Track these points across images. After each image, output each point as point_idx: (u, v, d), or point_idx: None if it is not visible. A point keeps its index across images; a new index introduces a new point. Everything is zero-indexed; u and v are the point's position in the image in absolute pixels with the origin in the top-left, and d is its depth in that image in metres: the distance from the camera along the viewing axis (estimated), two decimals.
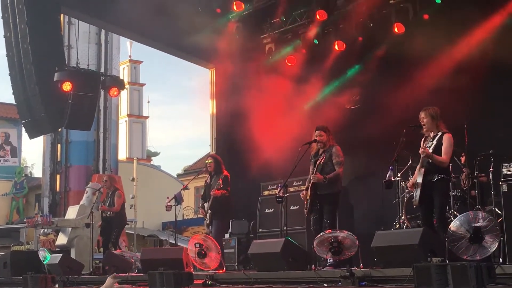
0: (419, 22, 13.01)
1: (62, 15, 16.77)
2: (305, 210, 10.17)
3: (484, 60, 11.76)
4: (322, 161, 9.95)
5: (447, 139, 8.54)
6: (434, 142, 8.57)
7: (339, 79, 14.53)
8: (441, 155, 8.51)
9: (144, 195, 25.15)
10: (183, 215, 26.98)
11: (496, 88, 11.90)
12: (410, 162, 11.80)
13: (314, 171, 9.98)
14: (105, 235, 13.48)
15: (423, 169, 8.54)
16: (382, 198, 11.26)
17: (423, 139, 8.86)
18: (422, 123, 8.75)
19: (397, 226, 11.12)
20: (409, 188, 9.37)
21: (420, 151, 8.46)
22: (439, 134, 8.64)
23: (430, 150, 8.46)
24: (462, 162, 10.83)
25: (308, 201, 10.00)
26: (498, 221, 8.33)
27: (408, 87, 12.79)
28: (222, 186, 11.40)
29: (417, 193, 8.59)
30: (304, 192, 10.14)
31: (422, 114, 8.76)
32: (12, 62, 13.59)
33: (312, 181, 9.94)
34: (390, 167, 9.74)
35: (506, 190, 8.54)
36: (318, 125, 10.30)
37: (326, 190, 9.93)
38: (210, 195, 11.69)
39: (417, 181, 8.58)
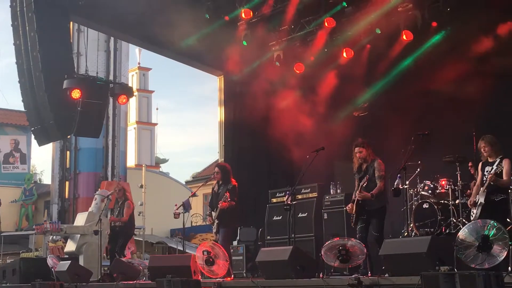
0: (428, 30, 13.00)
1: (71, 22, 16.86)
2: (352, 223, 10.16)
3: (493, 68, 11.74)
4: (367, 178, 9.93)
5: (507, 163, 9.07)
6: (495, 166, 9.11)
7: (348, 86, 14.50)
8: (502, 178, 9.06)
9: (153, 202, 25.17)
10: (191, 222, 26.97)
11: (504, 96, 11.88)
12: (418, 170, 11.81)
13: (359, 188, 9.96)
14: (112, 244, 13.49)
15: (485, 190, 9.06)
16: (391, 206, 11.24)
17: (480, 164, 9.39)
18: (484, 151, 9.28)
19: (406, 234, 11.09)
20: (469, 206, 9.51)
21: (489, 178, 8.95)
22: (498, 159, 9.17)
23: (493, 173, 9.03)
24: (470, 169, 10.83)
25: (354, 215, 10.02)
26: (507, 229, 8.31)
27: (417, 94, 12.80)
28: (229, 199, 11.37)
29: (477, 211, 9.07)
30: (350, 205, 10.13)
31: (482, 144, 9.32)
32: (22, 69, 13.65)
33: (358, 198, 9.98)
34: (398, 175, 9.76)
35: None
36: (357, 142, 10.27)
37: (373, 206, 9.94)
38: (218, 206, 11.64)
39: (480, 200, 9.08)
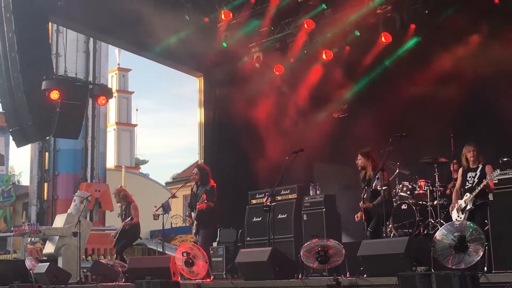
0: (406, 32, 13.10)
1: (50, 23, 16.76)
2: (365, 230, 10.18)
3: (471, 70, 11.84)
4: (372, 188, 9.96)
5: (490, 169, 9.12)
6: (478, 173, 9.27)
7: (327, 88, 14.55)
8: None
9: None
10: (171, 223, 26.89)
11: (482, 98, 12.00)
12: (397, 171, 11.89)
13: (362, 199, 10.01)
14: (117, 243, 13.30)
15: (472, 196, 9.20)
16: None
17: (461, 170, 9.54)
18: (471, 156, 9.40)
19: (384, 235, 11.15)
20: (450, 211, 9.67)
21: (485, 184, 8.99)
22: (481, 166, 9.32)
23: (477, 180, 9.24)
24: (453, 170, 10.91)
25: (365, 223, 10.05)
26: (485, 229, 8.40)
27: (395, 96, 12.87)
28: (206, 200, 11.39)
29: (465, 216, 9.20)
30: (358, 214, 10.14)
31: (470, 148, 9.43)
32: (0, 70, 13.55)
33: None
34: (377, 176, 9.80)
35: (492, 198, 8.61)
36: (362, 150, 10.31)
37: (377, 212, 9.91)
38: (196, 207, 11.66)
39: (468, 206, 9.23)
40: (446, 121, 11.80)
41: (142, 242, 26.87)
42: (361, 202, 10.00)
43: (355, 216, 10.27)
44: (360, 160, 10.19)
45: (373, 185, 9.80)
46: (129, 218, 13.03)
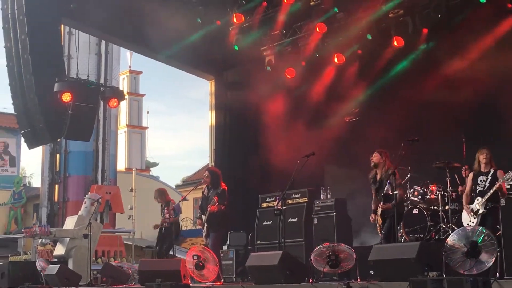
0: (419, 36, 13.06)
1: (62, 25, 16.81)
2: (379, 232, 10.17)
3: (484, 74, 11.79)
4: (385, 187, 9.93)
5: (501, 174, 9.12)
6: (490, 177, 9.24)
7: (339, 91, 14.53)
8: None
9: (143, 205, 25.08)
10: (181, 226, 26.89)
11: (494, 102, 11.94)
12: (408, 175, 11.84)
13: (381, 201, 9.97)
14: (160, 244, 13.20)
15: (484, 200, 9.19)
16: None
17: (471, 175, 9.54)
18: (484, 159, 9.36)
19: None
20: (467, 214, 9.57)
21: (498, 187, 9.00)
22: (492, 170, 9.29)
23: (488, 184, 9.20)
24: (465, 175, 10.85)
25: (380, 225, 10.04)
26: (497, 234, 8.35)
27: (407, 100, 12.84)
28: (217, 203, 11.39)
29: (477, 220, 9.20)
30: (373, 215, 10.15)
31: (484, 152, 9.39)
32: (12, 72, 13.60)
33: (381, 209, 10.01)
34: (388, 181, 9.76)
35: (504, 204, 8.57)
36: (377, 148, 10.29)
37: (392, 212, 9.85)
38: (207, 210, 11.65)
39: (480, 210, 9.21)
40: (458, 126, 11.75)
41: (152, 244, 26.96)
42: (380, 204, 9.95)
43: (370, 217, 10.26)
44: (375, 157, 10.16)
45: (385, 189, 9.76)
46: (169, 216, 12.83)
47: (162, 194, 13.25)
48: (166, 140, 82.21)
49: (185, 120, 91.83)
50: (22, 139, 14.79)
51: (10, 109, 15.29)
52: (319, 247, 9.33)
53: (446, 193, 11.09)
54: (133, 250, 20.85)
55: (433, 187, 11.44)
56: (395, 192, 9.67)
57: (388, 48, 13.51)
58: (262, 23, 15.09)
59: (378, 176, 10.15)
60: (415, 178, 11.84)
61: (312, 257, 9.27)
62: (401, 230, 11.20)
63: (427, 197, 11.51)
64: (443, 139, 12.14)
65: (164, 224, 12.89)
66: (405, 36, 13.24)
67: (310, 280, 9.29)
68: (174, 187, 36.61)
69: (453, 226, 10.53)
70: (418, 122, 12.84)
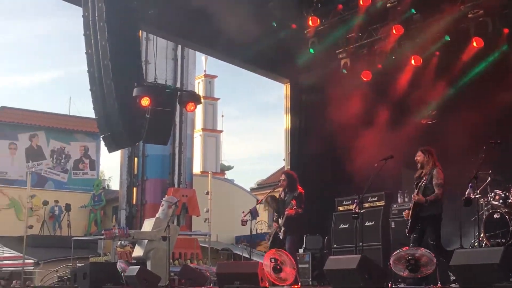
0: (499, 37, 12.77)
1: (140, 31, 17.15)
2: (406, 229, 10.11)
3: None
4: (424, 183, 9.87)
5: None
6: None
7: (416, 94, 14.33)
8: None
9: (218, 208, 25.31)
10: (256, 229, 26.98)
11: None
12: (489, 179, 11.57)
13: (416, 192, 9.94)
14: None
15: None
16: (460, 215, 11.05)
17: None
18: None
19: (476, 244, 10.89)
20: None
21: None
22: None
23: None
24: None
25: (410, 220, 9.99)
26: None
27: (486, 102, 12.56)
28: (295, 206, 11.41)
29: None
30: (406, 211, 10.13)
31: None
32: (93, 78, 13.91)
33: (413, 201, 9.96)
34: (470, 184, 9.59)
35: None
36: (421, 147, 10.22)
37: (427, 212, 9.90)
38: (284, 213, 11.67)
39: None
40: None
41: (228, 247, 27.17)
42: (414, 194, 9.85)
43: (404, 213, 10.16)
44: (419, 157, 10.09)
45: (467, 193, 9.57)
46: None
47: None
48: (240, 143, 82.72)
49: (260, 123, 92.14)
50: (102, 143, 15.13)
51: (89, 114, 15.67)
52: (398, 251, 9.23)
53: None
54: (209, 252, 21.06)
55: None
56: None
57: (466, 49, 13.26)
58: (338, 25, 15.06)
59: (422, 173, 10.04)
60: (497, 182, 11.55)
61: (391, 261, 9.18)
62: (481, 235, 10.97)
63: (509, 201, 11.20)
64: None
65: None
66: (484, 37, 12.96)
67: (390, 284, 9.21)
68: (249, 190, 36.79)
69: None
70: (498, 125, 12.53)
